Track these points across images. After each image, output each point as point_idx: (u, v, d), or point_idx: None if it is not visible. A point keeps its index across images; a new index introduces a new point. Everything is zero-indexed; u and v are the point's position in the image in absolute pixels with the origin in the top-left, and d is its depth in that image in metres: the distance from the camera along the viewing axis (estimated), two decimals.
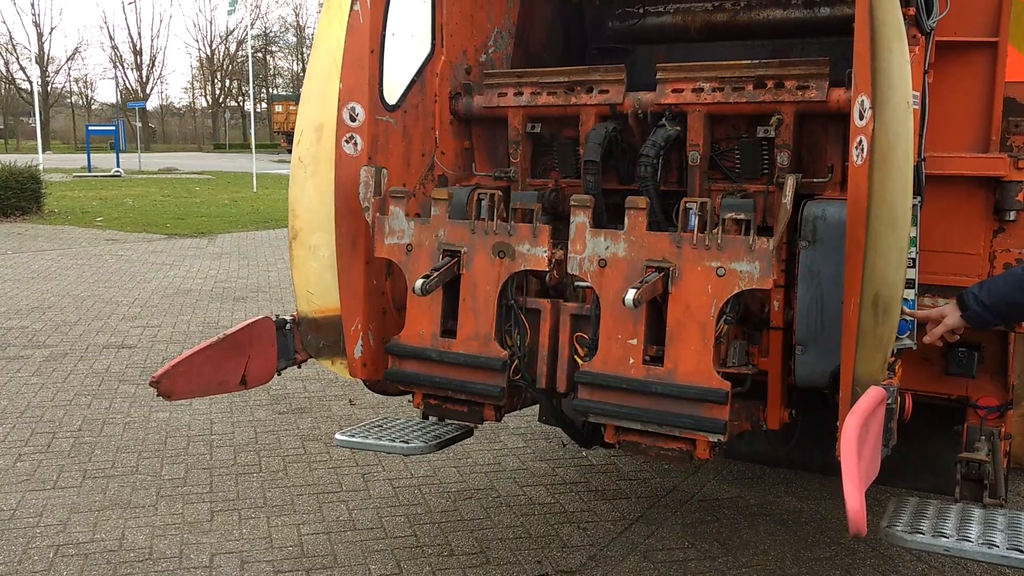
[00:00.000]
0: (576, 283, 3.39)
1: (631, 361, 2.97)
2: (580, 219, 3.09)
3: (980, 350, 3.43)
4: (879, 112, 2.52)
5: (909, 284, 2.96)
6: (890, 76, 2.50)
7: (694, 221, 2.93)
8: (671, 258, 2.93)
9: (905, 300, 2.80)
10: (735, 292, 2.84)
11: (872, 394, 2.48)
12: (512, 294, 3.28)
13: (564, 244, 3.20)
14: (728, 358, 3.12)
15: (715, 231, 2.87)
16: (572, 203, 3.12)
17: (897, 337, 2.69)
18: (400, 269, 3.43)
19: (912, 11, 3.01)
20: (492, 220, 3.26)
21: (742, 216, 2.90)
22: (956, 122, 3.38)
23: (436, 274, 3.24)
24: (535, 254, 3.18)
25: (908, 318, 2.95)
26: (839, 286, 2.79)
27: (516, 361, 3.26)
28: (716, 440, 2.88)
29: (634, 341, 2.97)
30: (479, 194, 3.35)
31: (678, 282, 2.91)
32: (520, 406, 3.65)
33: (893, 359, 2.80)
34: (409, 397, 3.99)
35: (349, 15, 3.40)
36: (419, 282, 3.19)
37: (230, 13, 29.14)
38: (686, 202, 2.99)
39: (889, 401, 2.60)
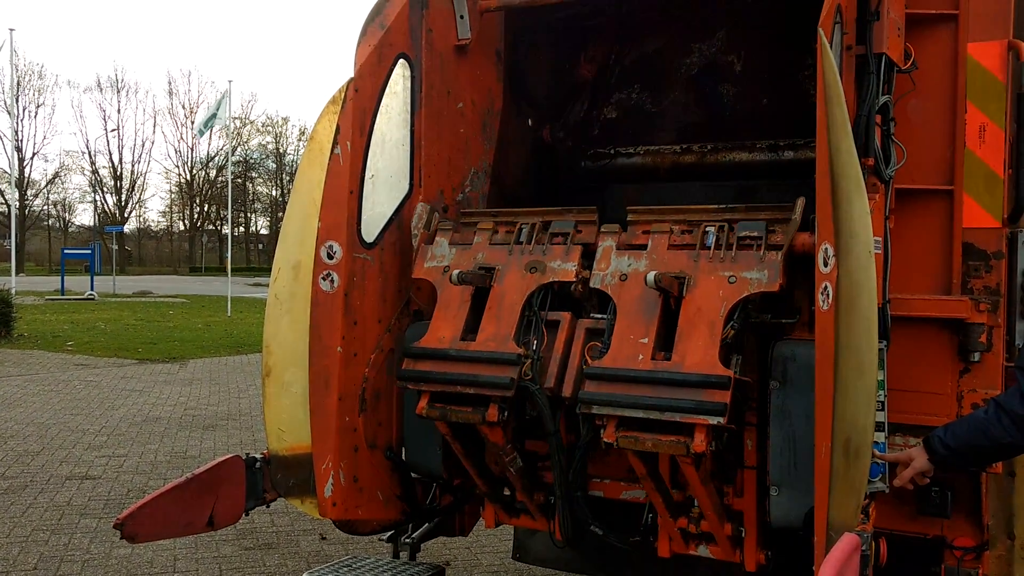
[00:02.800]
0: (592, 315, 3.51)
1: (640, 357, 3.10)
2: (607, 243, 3.43)
3: (953, 490, 3.43)
4: (842, 260, 2.60)
5: (879, 427, 2.98)
6: (851, 226, 2.59)
7: (711, 240, 3.24)
8: (688, 271, 3.21)
9: (876, 443, 2.82)
10: (744, 295, 3.08)
11: (846, 541, 2.46)
12: (536, 306, 3.44)
13: (591, 264, 3.44)
14: (731, 367, 3.13)
15: (730, 249, 3.21)
16: (602, 231, 3.48)
17: (870, 480, 2.70)
18: (374, 403, 3.51)
19: (871, 161, 3.14)
20: (530, 243, 3.55)
21: (755, 234, 3.19)
22: (918, 265, 3.48)
23: (471, 273, 3.46)
24: (565, 268, 3.46)
25: (879, 461, 2.96)
26: (811, 427, 2.81)
27: (528, 361, 3.32)
28: (716, 423, 2.89)
29: (645, 340, 3.13)
30: (521, 224, 3.64)
31: (692, 289, 3.17)
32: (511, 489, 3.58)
33: (867, 502, 2.80)
34: (380, 536, 3.92)
35: (330, 158, 3.50)
36: (455, 272, 3.42)
37: (201, 134, 29.68)
38: (705, 225, 3.31)
39: (864, 548, 2.58)
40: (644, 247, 3.41)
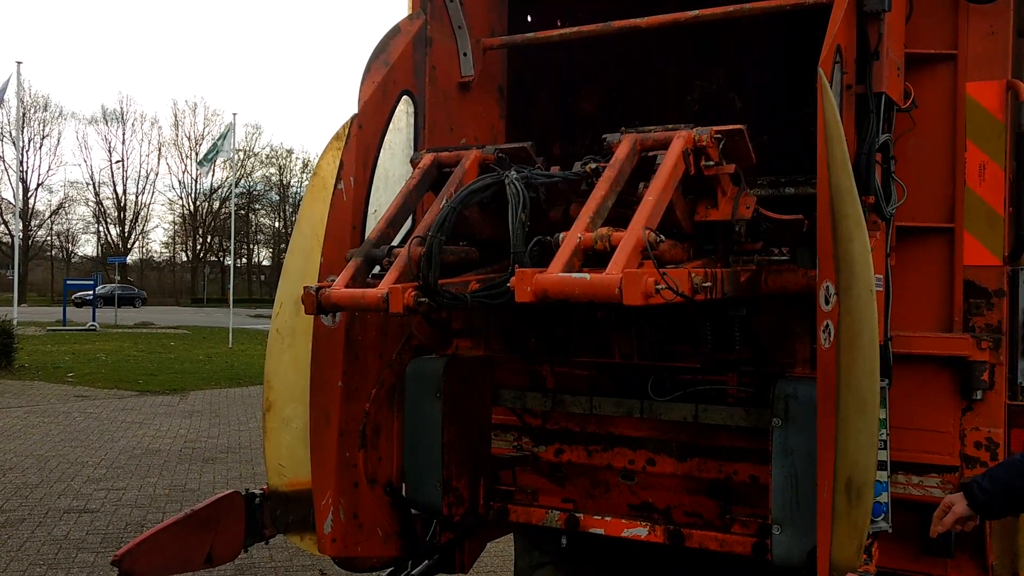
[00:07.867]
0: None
1: None
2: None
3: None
4: (843, 299, 2.60)
5: (882, 466, 2.96)
6: (852, 265, 2.60)
7: None
8: None
9: (878, 482, 2.80)
10: None
11: None
12: None
13: None
14: None
15: None
16: None
17: (872, 520, 2.68)
18: (374, 439, 3.50)
19: (871, 199, 3.16)
20: None
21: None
22: (920, 302, 3.48)
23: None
24: None
25: (883, 501, 2.94)
26: (813, 465, 2.80)
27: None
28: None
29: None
30: None
31: None
32: None
33: (869, 542, 2.78)
34: (379, 573, 3.88)
35: (333, 193, 3.52)
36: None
37: (202, 166, 29.93)
38: None
39: None
40: None
